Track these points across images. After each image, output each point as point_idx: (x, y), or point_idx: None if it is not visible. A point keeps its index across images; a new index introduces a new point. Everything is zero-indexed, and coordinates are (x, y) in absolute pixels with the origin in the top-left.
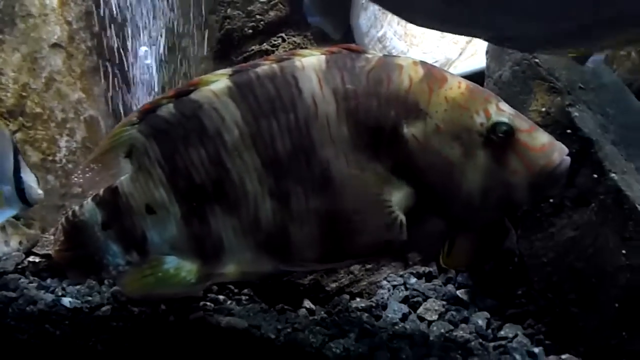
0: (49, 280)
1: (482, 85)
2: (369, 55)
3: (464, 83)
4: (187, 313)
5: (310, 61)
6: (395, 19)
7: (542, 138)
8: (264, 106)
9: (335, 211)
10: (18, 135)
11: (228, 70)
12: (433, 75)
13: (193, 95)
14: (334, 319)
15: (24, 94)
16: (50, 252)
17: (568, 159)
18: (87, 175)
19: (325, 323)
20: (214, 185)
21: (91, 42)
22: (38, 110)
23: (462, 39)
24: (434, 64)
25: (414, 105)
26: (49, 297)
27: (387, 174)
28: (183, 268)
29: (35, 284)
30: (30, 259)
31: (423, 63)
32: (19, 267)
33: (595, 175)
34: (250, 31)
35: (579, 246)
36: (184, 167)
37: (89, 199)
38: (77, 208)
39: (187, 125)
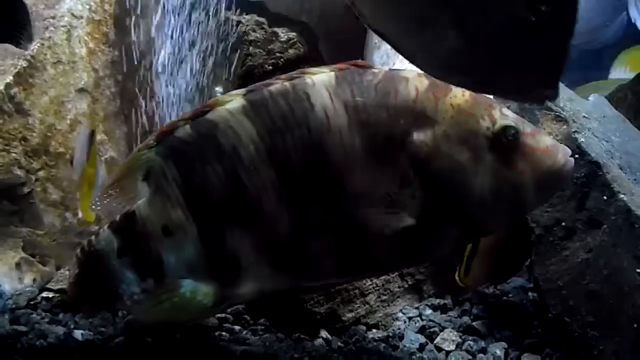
0: (61, 315)
1: None
2: (376, 70)
3: (468, 92)
4: (202, 343)
5: (321, 78)
6: None
7: (546, 140)
8: (278, 122)
9: (351, 222)
10: (41, 173)
11: (242, 90)
12: (437, 85)
13: (209, 116)
14: (351, 349)
15: (49, 134)
16: (64, 286)
17: (572, 159)
18: (105, 201)
19: (343, 352)
20: (232, 203)
21: (115, 88)
22: (61, 150)
23: None
24: None
25: (421, 114)
26: (60, 330)
27: (400, 181)
28: (199, 291)
29: (47, 319)
30: (44, 294)
31: (427, 75)
32: (32, 302)
33: (605, 197)
34: (270, 67)
35: (594, 268)
36: (202, 186)
37: (105, 227)
38: (92, 238)
39: (204, 145)
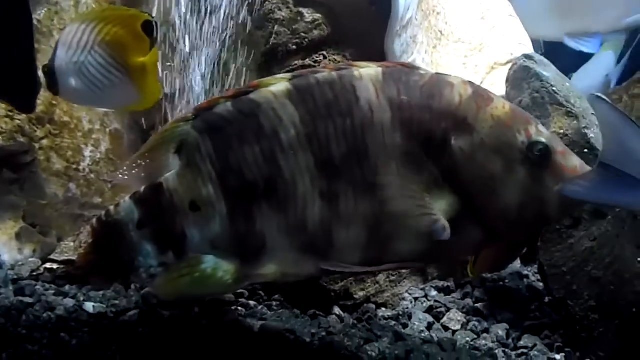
0: (67, 287)
1: None
2: (422, 72)
3: (508, 104)
4: (220, 317)
5: (368, 72)
6: (424, 47)
7: (575, 160)
8: (322, 110)
9: (381, 216)
10: (45, 142)
11: (288, 75)
12: (480, 94)
13: (252, 95)
14: (364, 325)
15: (54, 102)
16: (70, 258)
17: None
18: (134, 171)
19: (358, 329)
20: (265, 183)
21: None
22: (66, 119)
23: (483, 70)
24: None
25: (462, 120)
26: (70, 302)
27: (434, 182)
28: (221, 268)
29: (52, 291)
30: (48, 265)
31: (471, 83)
32: (34, 274)
33: None
34: (294, 47)
35: (597, 256)
36: (237, 164)
37: (127, 198)
38: (112, 208)
39: (244, 123)
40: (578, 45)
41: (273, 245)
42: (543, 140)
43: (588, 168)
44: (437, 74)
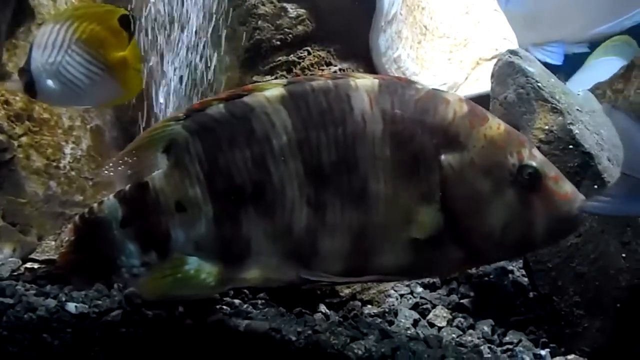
0: (48, 288)
1: (487, 107)
2: (419, 86)
3: (503, 126)
4: (205, 316)
5: (364, 83)
6: (409, 43)
7: (567, 187)
8: (315, 117)
9: (366, 227)
10: (24, 139)
11: (283, 81)
12: (476, 113)
13: (246, 99)
14: (350, 323)
15: (32, 99)
16: (52, 257)
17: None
18: (120, 167)
19: (344, 326)
20: (254, 188)
21: None
22: (46, 115)
23: (468, 65)
24: (443, 87)
25: (454, 137)
26: (52, 302)
27: (420, 197)
28: (204, 270)
29: (33, 291)
30: (28, 265)
31: (468, 101)
32: (14, 274)
33: (596, 186)
34: (278, 43)
35: (582, 252)
36: (226, 167)
37: (111, 195)
38: (95, 205)
39: (236, 126)
40: (543, 57)
41: (258, 249)
42: (534, 164)
43: (580, 195)
44: (434, 89)
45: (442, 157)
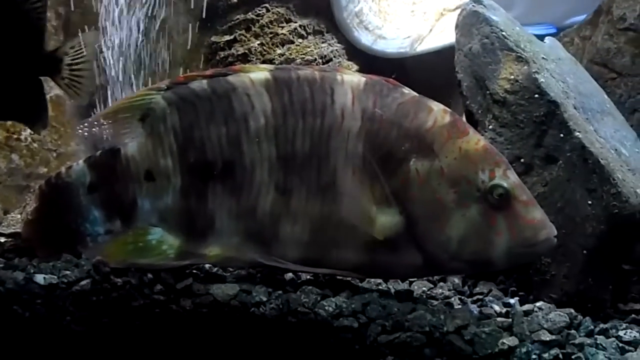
0: (16, 261)
1: (452, 57)
2: (406, 91)
3: (483, 142)
4: (174, 281)
5: (350, 78)
6: None
7: (536, 214)
8: (295, 105)
9: (327, 219)
10: None
11: (270, 66)
12: (456, 125)
13: (230, 78)
14: (321, 282)
15: None
16: (18, 230)
17: (554, 240)
18: (94, 129)
19: (315, 285)
20: (224, 165)
21: (57, 22)
22: None
23: (432, 17)
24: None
25: (428, 145)
26: (20, 275)
27: (384, 197)
28: (166, 241)
29: (1, 264)
30: None
31: (452, 113)
32: None
33: (562, 135)
34: (236, 1)
35: (549, 200)
36: (199, 141)
37: (80, 161)
38: (63, 169)
39: (215, 103)
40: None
41: (220, 227)
42: (505, 185)
43: (550, 224)
44: (421, 96)
45: (412, 162)
